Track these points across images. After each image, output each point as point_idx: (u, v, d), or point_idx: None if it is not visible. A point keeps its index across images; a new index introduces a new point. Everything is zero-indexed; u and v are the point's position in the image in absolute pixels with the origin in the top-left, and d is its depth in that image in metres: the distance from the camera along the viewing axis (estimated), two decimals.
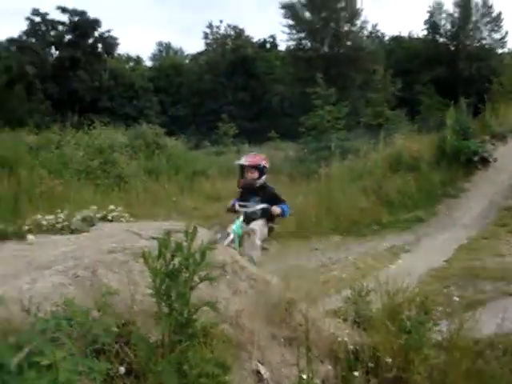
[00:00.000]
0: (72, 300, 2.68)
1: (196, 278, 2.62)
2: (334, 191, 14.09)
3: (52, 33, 41.51)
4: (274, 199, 6.27)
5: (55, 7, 41.35)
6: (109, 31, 42.31)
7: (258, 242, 5.97)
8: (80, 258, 3.46)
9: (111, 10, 71.20)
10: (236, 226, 5.90)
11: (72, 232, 4.44)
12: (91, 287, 3.13)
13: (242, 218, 6.03)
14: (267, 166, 6.42)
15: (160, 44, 64.46)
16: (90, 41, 42.08)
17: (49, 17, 40.92)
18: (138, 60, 53.16)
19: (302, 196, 13.40)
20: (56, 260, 3.50)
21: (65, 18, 40.98)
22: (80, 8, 41.47)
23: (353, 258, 10.20)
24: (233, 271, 4.06)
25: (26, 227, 4.44)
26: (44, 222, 4.54)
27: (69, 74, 38.83)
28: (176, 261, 2.54)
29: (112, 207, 5.12)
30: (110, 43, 42.75)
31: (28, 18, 40.42)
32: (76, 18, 40.96)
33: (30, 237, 4.23)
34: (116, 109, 39.58)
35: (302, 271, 8.34)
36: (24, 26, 41.00)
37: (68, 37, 41.43)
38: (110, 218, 4.89)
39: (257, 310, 3.89)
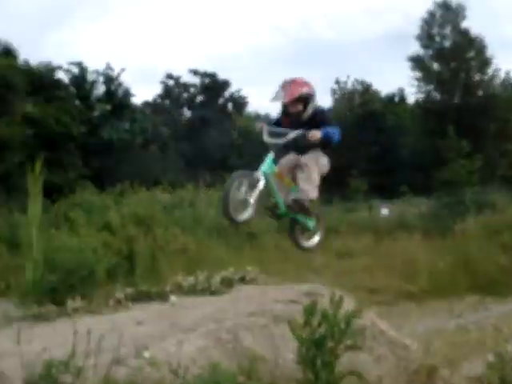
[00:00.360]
0: (218, 364, 2.73)
1: (341, 347, 2.59)
2: (471, 248, 13.39)
3: (184, 95, 44.19)
4: (322, 124, 4.85)
5: (187, 70, 44.13)
6: (238, 91, 44.33)
7: (316, 177, 4.89)
8: (221, 321, 3.55)
9: (240, 70, 74.53)
10: (266, 165, 4.67)
11: (212, 293, 4.57)
12: (233, 350, 3.19)
13: (272, 154, 4.77)
14: (312, 91, 4.96)
15: None
16: (221, 101, 44.21)
17: (181, 80, 43.74)
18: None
19: (441, 259, 12.82)
20: (198, 322, 3.61)
21: (196, 80, 43.59)
22: (210, 70, 44.05)
23: (493, 320, 9.53)
24: (372, 336, 3.96)
25: (168, 288, 4.63)
26: (185, 284, 4.71)
27: (200, 133, 40.84)
28: (322, 328, 2.53)
29: (249, 268, 5.22)
30: (239, 102, 44.68)
31: (162, 82, 43.50)
32: (207, 80, 43.37)
33: (173, 298, 4.41)
34: (245, 166, 40.53)
35: (440, 334, 7.91)
36: (158, 89, 44.16)
37: (199, 98, 43.86)
38: (247, 279, 4.96)
39: (397, 377, 3.75)
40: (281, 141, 4.73)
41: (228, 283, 4.77)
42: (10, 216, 14.10)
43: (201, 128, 41.20)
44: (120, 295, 4.36)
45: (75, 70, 34.82)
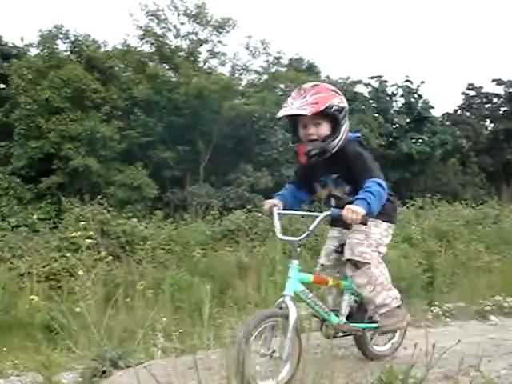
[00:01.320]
0: None
1: None
2: None
3: (487, 106, 41.81)
4: (355, 171, 3.07)
5: (490, 80, 41.73)
6: None
7: (377, 272, 3.09)
8: None
9: None
10: (290, 284, 2.90)
11: None
12: None
13: (296, 262, 2.96)
14: (344, 104, 3.13)
15: None
16: None
17: (483, 90, 41.48)
18: None
19: None
20: None
21: (500, 89, 40.90)
22: None
23: None
24: None
25: (487, 307, 4.41)
26: (505, 304, 4.43)
27: (503, 146, 38.21)
28: None
29: None
30: None
31: (463, 93, 41.84)
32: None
33: (493, 318, 4.18)
34: None
35: None
36: (459, 100, 42.49)
37: (503, 109, 41.05)
38: None
39: None
40: (300, 238, 2.97)
41: None
42: None
43: (504, 140, 38.56)
44: (438, 309, 4.30)
45: (375, 83, 35.82)
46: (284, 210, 3.21)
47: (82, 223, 7.47)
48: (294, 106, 3.02)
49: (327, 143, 3.07)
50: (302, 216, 3.36)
